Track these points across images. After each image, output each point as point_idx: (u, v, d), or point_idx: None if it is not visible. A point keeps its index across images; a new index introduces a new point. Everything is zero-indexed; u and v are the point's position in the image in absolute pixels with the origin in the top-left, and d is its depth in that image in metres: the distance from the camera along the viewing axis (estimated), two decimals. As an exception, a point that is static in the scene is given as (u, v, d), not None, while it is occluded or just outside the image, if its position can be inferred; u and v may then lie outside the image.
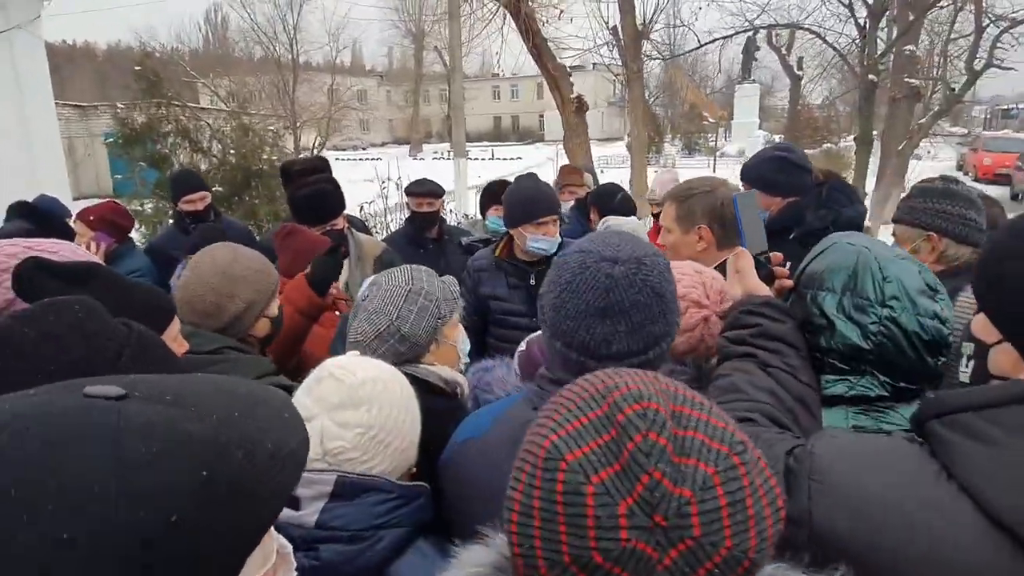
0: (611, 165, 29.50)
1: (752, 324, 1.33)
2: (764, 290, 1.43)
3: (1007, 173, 20.44)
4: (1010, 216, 1.58)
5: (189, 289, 2.00)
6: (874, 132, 11.88)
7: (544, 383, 1.30)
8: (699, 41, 12.60)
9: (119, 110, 8.83)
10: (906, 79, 11.25)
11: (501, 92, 68.72)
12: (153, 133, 8.35)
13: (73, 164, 25.88)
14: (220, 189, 8.13)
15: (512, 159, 38.53)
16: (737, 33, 12.39)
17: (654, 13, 13.62)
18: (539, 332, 2.26)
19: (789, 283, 1.49)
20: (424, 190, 4.08)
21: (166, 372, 0.83)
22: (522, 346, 2.16)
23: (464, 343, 1.93)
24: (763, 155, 2.87)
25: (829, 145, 24.92)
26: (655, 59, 14.61)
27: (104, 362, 1.14)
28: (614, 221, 3.45)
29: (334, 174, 4.28)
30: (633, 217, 3.46)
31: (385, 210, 9.21)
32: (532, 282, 3.03)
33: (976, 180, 22.70)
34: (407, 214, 4.32)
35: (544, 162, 32.81)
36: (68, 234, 3.75)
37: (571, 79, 11.06)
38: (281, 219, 8.37)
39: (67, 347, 1.13)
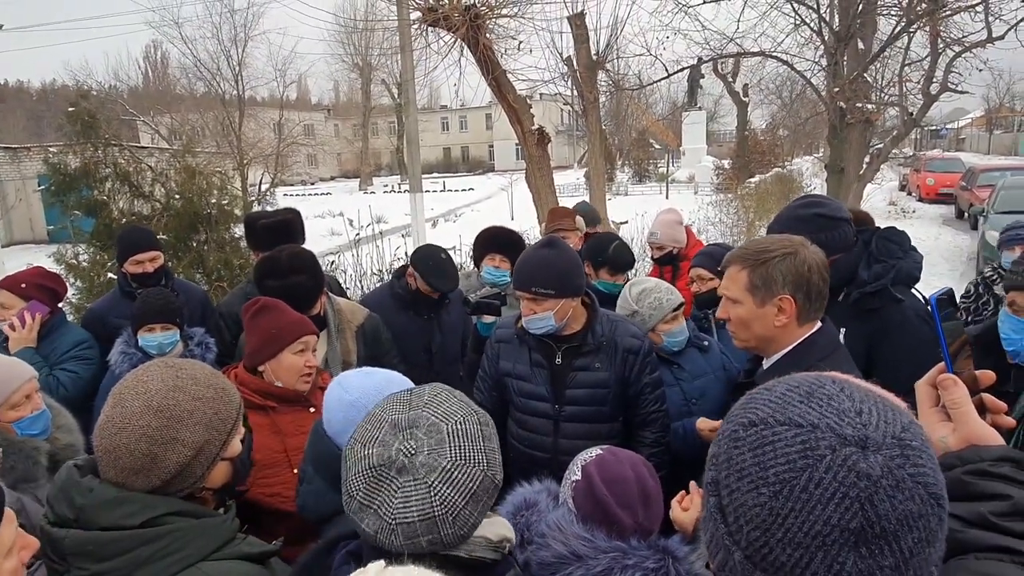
0: (564, 193, 29.46)
1: (995, 494, 0.92)
2: (994, 436, 1.01)
3: (950, 193, 21.00)
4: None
5: (112, 436, 1.41)
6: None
7: None
8: (667, 70, 12.49)
9: (51, 154, 8.14)
10: (860, 104, 11.35)
11: (450, 124, 68.74)
12: (89, 178, 7.70)
13: (4, 209, 24.58)
14: (164, 237, 7.53)
15: (464, 190, 38.31)
16: (704, 62, 12.34)
17: (607, 44, 13.53)
18: (594, 451, 1.81)
19: (1010, 421, 1.07)
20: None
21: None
22: (576, 473, 1.71)
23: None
24: (793, 214, 2.48)
25: (778, 169, 25.31)
26: (624, 89, 14.50)
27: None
28: (637, 287, 3.00)
29: (299, 219, 3.85)
30: (660, 281, 3.05)
31: (357, 266, 8.69)
32: (558, 361, 2.61)
33: (920, 200, 23.42)
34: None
35: (497, 192, 32.71)
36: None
37: (531, 111, 10.82)
38: (233, 267, 7.81)
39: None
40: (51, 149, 8.64)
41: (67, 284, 3.98)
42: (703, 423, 2.29)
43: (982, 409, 1.08)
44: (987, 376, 1.10)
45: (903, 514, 0.71)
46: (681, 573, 1.59)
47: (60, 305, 3.62)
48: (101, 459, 1.43)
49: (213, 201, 8.05)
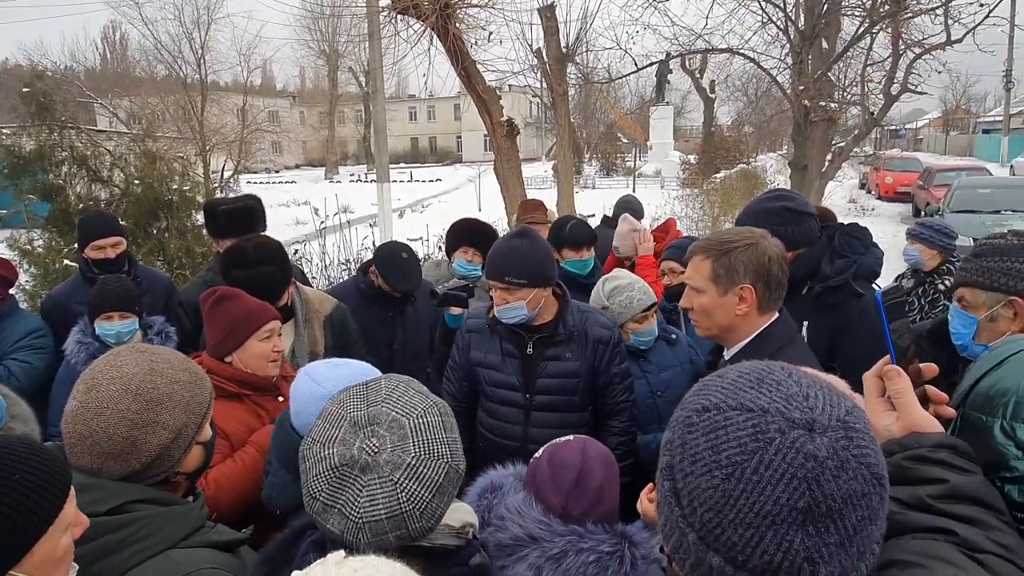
0: (531, 185, 29.45)
1: (932, 478, 0.96)
2: (934, 424, 1.05)
3: (908, 191, 21.53)
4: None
5: (88, 422, 1.39)
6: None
7: None
8: (636, 64, 12.54)
9: (4, 136, 7.87)
10: (824, 103, 11.56)
11: (418, 113, 68.24)
12: (44, 162, 7.47)
13: (-48, 192, 23.71)
14: (124, 223, 7.34)
15: (431, 181, 38.10)
16: (672, 58, 12.40)
17: (577, 37, 13.55)
18: (568, 438, 1.85)
19: (951, 412, 1.12)
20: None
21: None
22: (539, 452, 1.75)
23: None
24: (761, 206, 2.53)
25: (743, 165, 25.68)
26: (593, 83, 14.56)
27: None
28: (616, 280, 3.02)
29: (260, 206, 3.78)
30: (637, 279, 3.06)
31: (323, 255, 8.62)
32: (530, 351, 2.62)
33: (879, 198, 23.97)
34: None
35: (465, 183, 32.59)
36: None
37: (500, 102, 10.79)
38: (195, 255, 7.65)
39: None
40: (4, 131, 8.35)
41: (18, 270, 3.86)
42: None
43: (926, 400, 1.13)
44: (930, 369, 1.16)
45: (847, 493, 0.75)
46: (636, 557, 1.63)
47: (12, 292, 3.52)
48: (74, 446, 1.41)
49: (174, 187, 7.87)
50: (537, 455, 1.80)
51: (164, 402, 1.45)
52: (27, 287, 6.62)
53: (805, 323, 2.33)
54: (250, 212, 3.64)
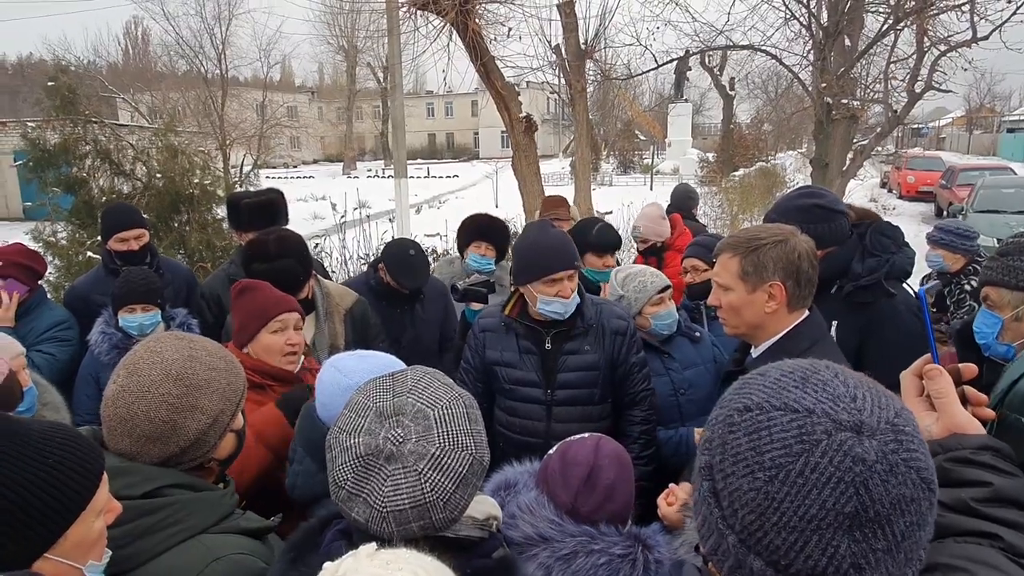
0: (548, 182, 29.35)
1: (975, 481, 0.94)
2: (975, 426, 1.03)
3: (931, 191, 21.25)
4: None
5: (130, 405, 1.42)
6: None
7: None
8: (656, 61, 12.47)
9: (30, 129, 7.97)
10: (846, 101, 11.42)
11: (436, 109, 68.34)
12: (69, 155, 7.55)
13: (-22, 185, 24.06)
14: (146, 216, 7.42)
15: (448, 177, 38.14)
16: (692, 54, 12.33)
17: (596, 33, 13.49)
18: (584, 436, 1.83)
19: (990, 413, 1.10)
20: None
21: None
22: (553, 449, 1.75)
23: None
24: (790, 203, 2.48)
25: (762, 163, 25.47)
26: (612, 79, 14.51)
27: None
28: (623, 273, 3.03)
29: (283, 200, 3.81)
30: (646, 266, 3.07)
31: (343, 249, 8.68)
32: (548, 347, 2.61)
33: (900, 197, 23.70)
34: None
35: (482, 179, 32.60)
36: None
37: (519, 98, 10.76)
38: (215, 248, 7.72)
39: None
40: (29, 124, 8.45)
41: (46, 262, 3.91)
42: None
43: (964, 401, 1.10)
44: (970, 369, 1.13)
45: (896, 498, 0.73)
46: (649, 561, 1.60)
47: (40, 283, 3.56)
48: (114, 429, 1.43)
49: (195, 181, 7.94)
50: (551, 452, 1.79)
51: (203, 387, 1.48)
52: (51, 279, 6.70)
53: (835, 323, 2.29)
54: (273, 206, 3.67)
